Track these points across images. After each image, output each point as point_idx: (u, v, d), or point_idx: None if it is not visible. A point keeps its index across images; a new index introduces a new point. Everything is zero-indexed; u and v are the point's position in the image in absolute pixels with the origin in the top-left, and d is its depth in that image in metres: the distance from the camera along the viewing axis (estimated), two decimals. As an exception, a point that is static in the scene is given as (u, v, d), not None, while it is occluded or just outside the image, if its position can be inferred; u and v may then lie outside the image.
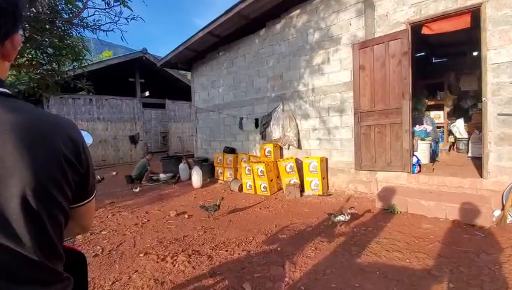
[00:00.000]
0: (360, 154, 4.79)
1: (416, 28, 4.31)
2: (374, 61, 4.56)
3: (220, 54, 7.18)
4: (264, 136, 6.19)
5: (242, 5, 5.41)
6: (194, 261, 2.75)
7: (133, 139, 12.37)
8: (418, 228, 3.29)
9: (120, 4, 4.36)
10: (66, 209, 0.67)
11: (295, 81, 5.67)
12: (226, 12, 5.65)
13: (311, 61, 5.40)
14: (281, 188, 5.63)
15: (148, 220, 4.23)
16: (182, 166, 7.44)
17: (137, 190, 5.99)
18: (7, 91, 0.63)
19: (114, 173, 9.29)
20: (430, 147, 5.07)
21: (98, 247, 3.28)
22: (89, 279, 2.63)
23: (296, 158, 5.52)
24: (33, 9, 4.16)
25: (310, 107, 5.48)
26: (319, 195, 4.95)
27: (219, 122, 7.44)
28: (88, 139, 1.45)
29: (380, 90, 4.52)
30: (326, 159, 5.27)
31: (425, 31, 4.28)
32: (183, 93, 12.25)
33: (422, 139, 5.04)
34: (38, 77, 5.26)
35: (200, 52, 7.34)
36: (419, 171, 4.43)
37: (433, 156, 5.37)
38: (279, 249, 2.95)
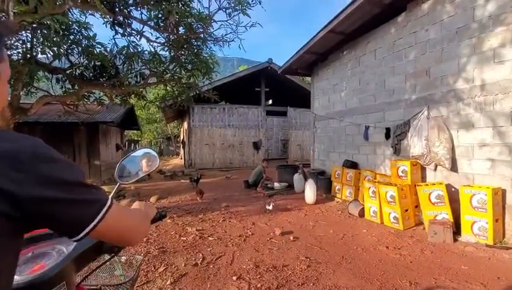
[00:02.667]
0: None
1: None
2: None
3: (344, 53, 6.28)
4: (397, 151, 4.84)
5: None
6: (286, 310, 2.15)
7: (256, 145, 13.17)
8: None
9: (239, 13, 4.41)
10: None
11: (450, 77, 4.08)
12: (354, 0, 4.78)
13: (480, 45, 3.70)
14: (420, 223, 4.15)
15: (252, 234, 3.99)
16: (297, 177, 7.03)
17: (270, 207, 5.16)
18: None
19: (229, 176, 10.19)
20: None
21: (200, 255, 3.24)
22: (180, 292, 2.56)
23: (448, 184, 3.92)
24: (174, 31, 4.79)
25: (476, 113, 3.77)
26: (486, 245, 3.25)
27: (340, 131, 6.53)
28: (148, 153, 1.20)
29: None
30: (504, 191, 3.43)
31: None
32: (305, 100, 12.06)
33: None
34: (180, 90, 6.18)
35: (321, 54, 6.73)
36: None
37: None
38: (415, 331, 1.90)
